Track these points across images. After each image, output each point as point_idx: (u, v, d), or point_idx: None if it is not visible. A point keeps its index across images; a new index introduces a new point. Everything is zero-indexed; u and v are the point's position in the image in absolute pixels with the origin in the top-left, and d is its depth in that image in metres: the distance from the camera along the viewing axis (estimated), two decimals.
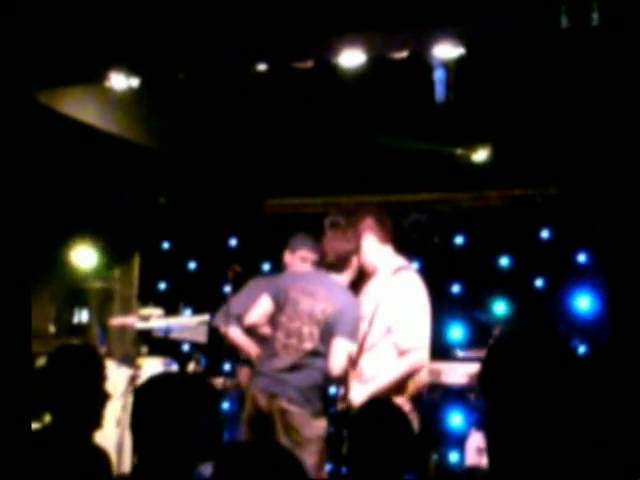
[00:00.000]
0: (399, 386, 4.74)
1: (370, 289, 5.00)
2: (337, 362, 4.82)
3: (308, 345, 4.92)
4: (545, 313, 6.91)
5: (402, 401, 4.54)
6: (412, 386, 4.78)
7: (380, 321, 4.81)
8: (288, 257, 5.64)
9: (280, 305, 5.04)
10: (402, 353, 4.75)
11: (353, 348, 4.83)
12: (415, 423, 4.55)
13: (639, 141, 5.79)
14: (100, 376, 3.26)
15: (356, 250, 5.01)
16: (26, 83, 3.40)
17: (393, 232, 5.10)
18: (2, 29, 3.16)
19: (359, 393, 4.74)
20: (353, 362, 4.84)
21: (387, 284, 4.87)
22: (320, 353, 4.91)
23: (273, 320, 5.06)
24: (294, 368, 4.93)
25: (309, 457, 4.67)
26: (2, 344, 2.86)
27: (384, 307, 4.81)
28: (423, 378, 4.89)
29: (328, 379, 4.97)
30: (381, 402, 3.78)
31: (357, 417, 3.42)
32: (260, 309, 5.10)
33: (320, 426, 4.91)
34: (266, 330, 5.13)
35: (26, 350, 2.98)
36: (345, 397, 4.94)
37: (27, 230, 3.02)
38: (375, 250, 5.01)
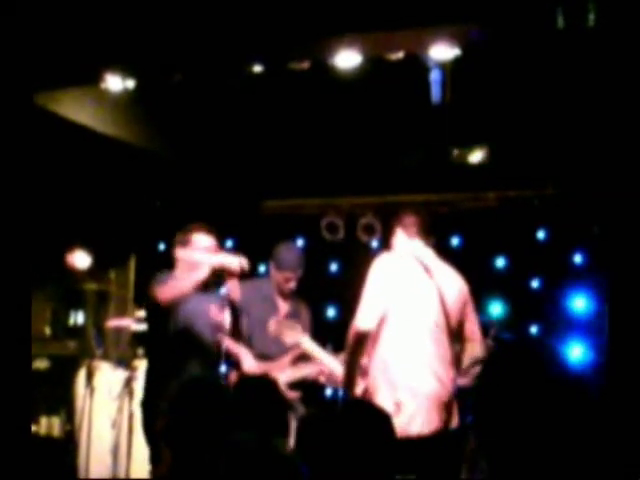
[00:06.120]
0: None
1: None
2: None
3: None
4: (541, 314, 6.90)
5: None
6: None
7: None
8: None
9: None
10: None
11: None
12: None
13: (636, 141, 5.80)
14: None
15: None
16: (26, 85, 3.39)
17: (427, 226, 4.79)
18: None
19: None
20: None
21: None
22: None
23: None
24: None
25: None
26: (2, 346, 2.85)
27: None
28: None
29: None
30: None
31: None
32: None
33: None
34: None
35: (26, 352, 2.98)
36: None
37: (28, 232, 3.01)
38: (404, 245, 4.75)
